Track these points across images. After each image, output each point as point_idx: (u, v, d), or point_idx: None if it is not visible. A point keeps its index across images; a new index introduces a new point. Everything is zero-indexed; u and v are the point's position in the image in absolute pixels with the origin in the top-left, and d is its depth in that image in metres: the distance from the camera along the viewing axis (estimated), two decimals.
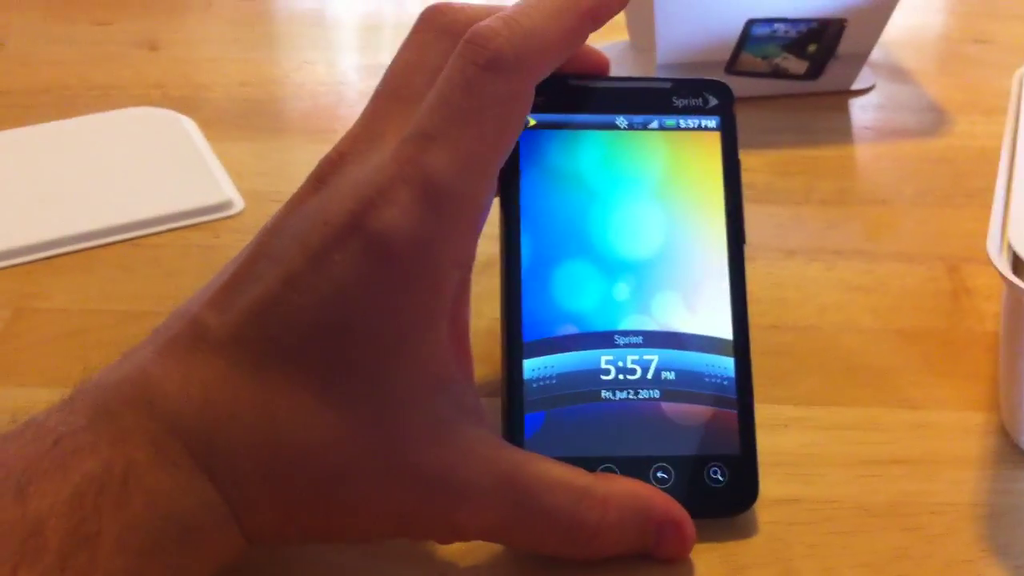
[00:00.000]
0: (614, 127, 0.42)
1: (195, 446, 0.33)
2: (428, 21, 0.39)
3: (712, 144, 0.42)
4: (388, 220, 0.34)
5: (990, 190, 0.46)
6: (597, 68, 0.42)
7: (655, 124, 0.42)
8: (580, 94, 0.42)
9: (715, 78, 0.43)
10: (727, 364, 0.40)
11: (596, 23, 0.38)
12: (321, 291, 0.34)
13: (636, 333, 0.40)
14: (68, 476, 0.31)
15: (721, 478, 0.40)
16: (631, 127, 0.42)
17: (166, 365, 0.34)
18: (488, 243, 0.41)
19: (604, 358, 0.40)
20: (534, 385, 0.40)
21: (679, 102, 0.42)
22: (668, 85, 0.43)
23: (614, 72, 0.43)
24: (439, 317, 0.36)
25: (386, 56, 0.40)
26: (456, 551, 0.39)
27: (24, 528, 0.30)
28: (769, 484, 0.41)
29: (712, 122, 0.42)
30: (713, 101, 0.42)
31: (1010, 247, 0.41)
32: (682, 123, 0.42)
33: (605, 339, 0.40)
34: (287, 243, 0.35)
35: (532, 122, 0.41)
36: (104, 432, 0.32)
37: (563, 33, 0.37)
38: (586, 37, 0.38)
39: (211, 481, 0.33)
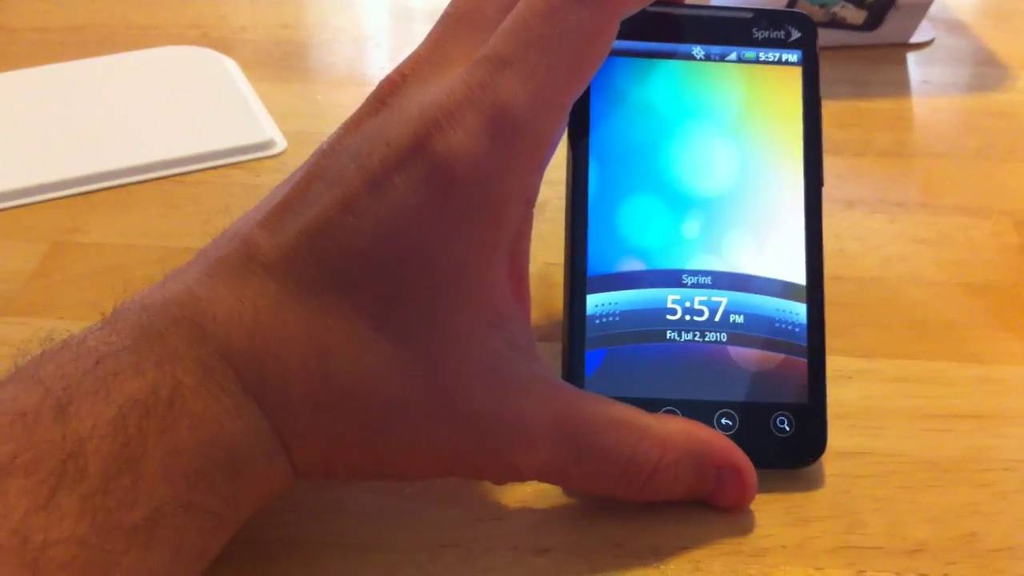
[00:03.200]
0: (691, 57, 0.40)
1: (244, 372, 0.32)
2: None
3: (792, 79, 0.40)
4: (454, 144, 0.33)
5: None
6: None
7: (733, 56, 0.40)
8: (657, 21, 0.40)
9: (799, 10, 0.41)
10: (798, 310, 0.39)
11: None
12: (380, 216, 0.33)
13: (705, 273, 0.39)
14: (111, 397, 0.30)
15: (788, 428, 0.38)
16: (708, 58, 0.40)
17: (215, 287, 0.33)
18: (545, 186, 0.40)
19: (671, 297, 0.39)
20: (596, 321, 0.38)
21: (760, 34, 0.40)
22: (749, 15, 0.41)
23: None
24: (500, 251, 0.35)
25: (434, 2, 0.38)
26: (506, 493, 0.38)
27: (64, 449, 0.28)
28: (834, 436, 0.39)
29: (794, 56, 0.40)
30: (796, 34, 0.41)
31: None
32: (762, 56, 0.40)
33: (672, 277, 0.39)
34: (345, 164, 0.34)
35: None
36: (149, 354, 0.31)
37: None
38: None
39: (260, 409, 0.32)
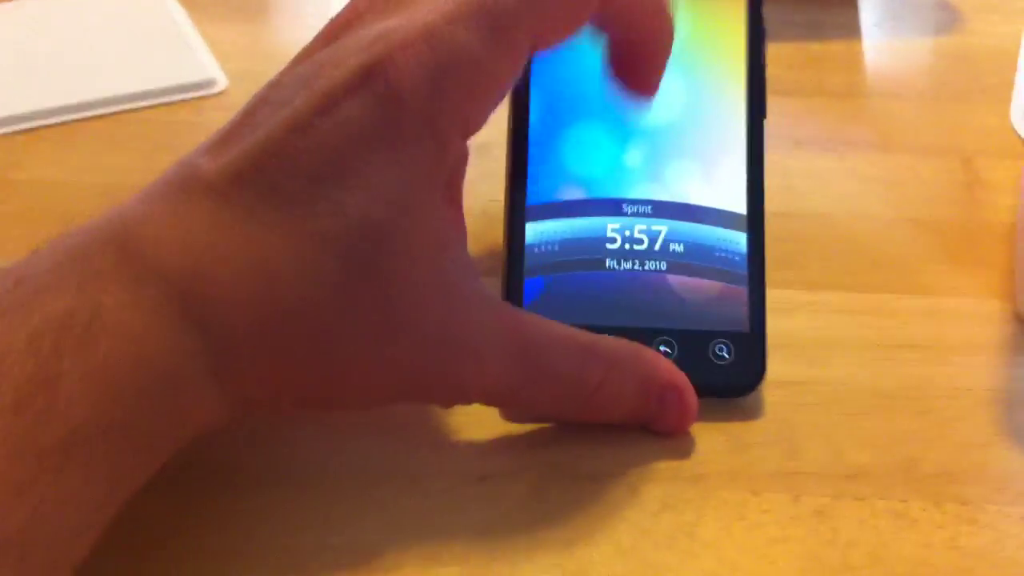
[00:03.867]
0: None
1: (174, 290, 0.31)
2: None
3: (736, 8, 0.40)
4: (404, 72, 0.32)
5: (1006, 86, 0.44)
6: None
7: None
8: None
9: None
10: (739, 239, 0.39)
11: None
12: (325, 133, 0.32)
13: (645, 202, 0.38)
14: (28, 317, 0.29)
15: (727, 355, 0.38)
16: None
17: (148, 208, 0.32)
18: (489, 126, 0.39)
19: (610, 226, 0.38)
20: (536, 250, 0.38)
21: None
22: None
23: None
24: (439, 177, 0.34)
25: None
26: (445, 422, 0.37)
27: None
28: (776, 366, 0.39)
29: None
30: None
31: None
32: None
33: (613, 206, 0.38)
34: (293, 89, 0.33)
35: None
36: (71, 273, 0.30)
37: None
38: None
39: (193, 327, 0.31)
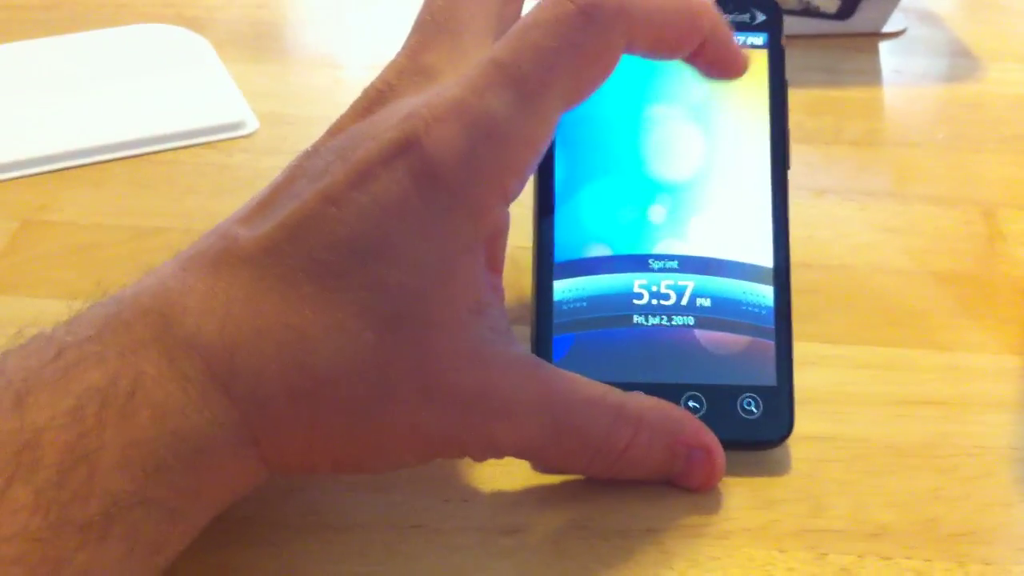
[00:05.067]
0: None
1: (214, 362, 0.31)
2: None
3: (758, 62, 0.40)
4: (438, 142, 0.33)
5: None
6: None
7: None
8: None
9: None
10: (765, 293, 0.39)
11: (698, 35, 0.36)
12: (362, 207, 0.32)
13: (672, 257, 0.39)
14: (70, 387, 0.29)
15: (755, 410, 0.38)
16: None
17: (188, 279, 0.32)
18: None
19: (637, 282, 0.39)
20: (564, 307, 0.38)
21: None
22: None
23: None
24: (479, 245, 0.35)
25: None
26: (474, 475, 0.38)
27: (20, 439, 0.28)
28: (800, 420, 0.39)
29: (759, 39, 0.41)
30: (760, 17, 0.41)
31: None
32: None
33: (639, 262, 0.39)
34: (328, 161, 0.34)
35: None
36: (112, 343, 0.31)
37: (674, 15, 0.35)
38: (689, 44, 0.36)
39: (229, 400, 0.31)
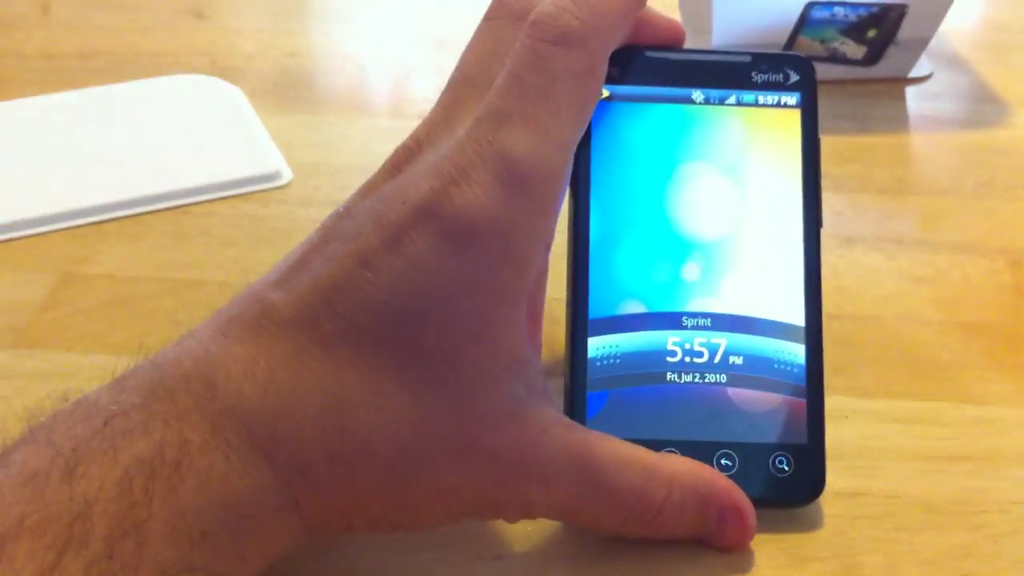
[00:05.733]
0: (690, 101, 0.41)
1: (256, 429, 0.32)
2: (501, 7, 0.38)
3: (791, 122, 0.41)
4: (470, 199, 0.33)
5: None
6: (672, 39, 0.41)
7: (732, 99, 0.41)
8: (656, 66, 0.41)
9: (798, 53, 0.42)
10: (798, 351, 0.39)
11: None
12: (397, 270, 0.33)
13: (705, 315, 0.39)
14: (118, 458, 0.30)
15: (787, 468, 0.39)
16: (708, 102, 0.41)
17: (228, 345, 0.33)
18: None
19: (671, 339, 0.39)
20: (598, 364, 0.39)
21: (759, 77, 0.41)
22: (748, 59, 0.41)
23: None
24: (521, 298, 0.35)
25: (439, 30, 0.39)
26: (507, 533, 0.38)
27: (71, 511, 0.29)
28: (831, 476, 0.39)
29: (792, 99, 0.41)
30: (794, 77, 0.41)
31: None
32: (761, 99, 0.41)
33: (672, 320, 0.39)
34: (361, 223, 0.34)
35: (606, 93, 0.40)
36: (157, 412, 0.31)
37: (626, 5, 0.37)
38: (641, 6, 0.38)
39: (270, 466, 0.32)
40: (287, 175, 0.57)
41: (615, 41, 0.37)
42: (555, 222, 0.36)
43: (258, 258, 0.51)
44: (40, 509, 0.29)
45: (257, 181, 0.56)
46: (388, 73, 0.68)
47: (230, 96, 0.63)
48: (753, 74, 0.41)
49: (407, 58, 0.70)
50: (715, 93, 0.41)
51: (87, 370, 0.34)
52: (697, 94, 0.41)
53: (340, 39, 0.72)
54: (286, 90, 0.66)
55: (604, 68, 0.37)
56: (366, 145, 0.60)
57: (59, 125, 0.61)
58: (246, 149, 0.58)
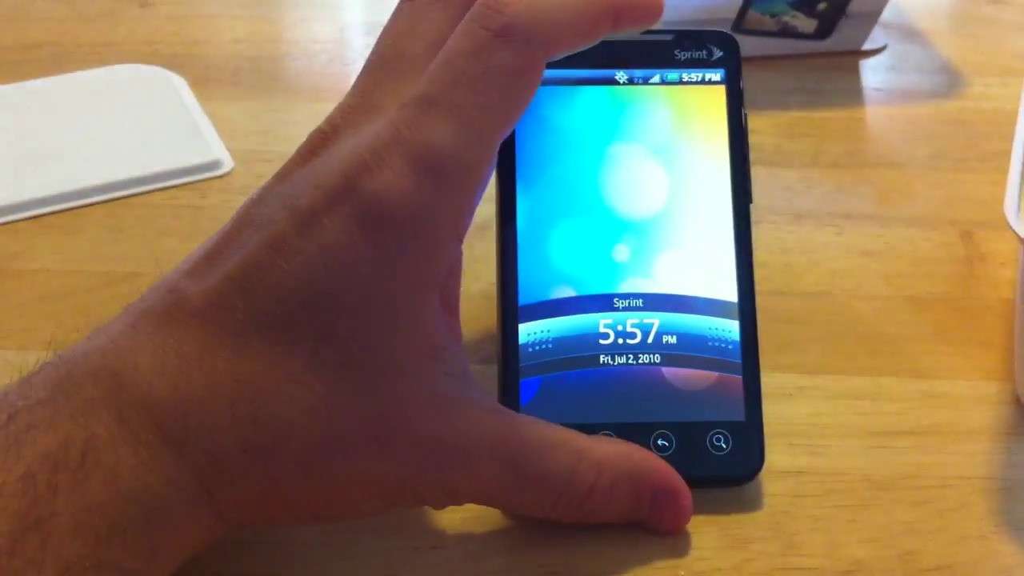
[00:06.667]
0: (613, 82, 0.40)
1: (165, 421, 0.31)
2: None
3: (717, 98, 0.40)
4: (382, 184, 0.33)
5: (1006, 154, 0.44)
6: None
7: (656, 78, 0.40)
8: None
9: (720, 29, 0.41)
10: (731, 328, 0.39)
11: (618, 24, 0.36)
12: (309, 256, 0.32)
13: (636, 296, 0.39)
14: (22, 453, 0.29)
15: (725, 445, 0.38)
16: (631, 81, 0.40)
17: (137, 336, 0.32)
18: (486, 205, 0.39)
19: (603, 322, 0.39)
20: (529, 350, 0.38)
21: (682, 55, 0.41)
22: (670, 37, 0.41)
23: None
24: (431, 286, 0.34)
25: (385, 15, 0.38)
26: (443, 522, 0.38)
27: None
28: (774, 454, 0.39)
29: (717, 75, 0.41)
30: (718, 53, 0.41)
31: None
32: (685, 77, 0.40)
33: (604, 302, 0.39)
34: (273, 209, 0.33)
35: None
36: (64, 406, 0.31)
37: (581, 18, 0.35)
38: (602, 34, 0.36)
39: (182, 458, 0.31)
40: (228, 164, 0.56)
41: (562, 47, 0.35)
42: (470, 215, 0.35)
43: (193, 249, 0.50)
44: None
45: (197, 171, 0.55)
46: (336, 59, 0.67)
47: (172, 85, 0.62)
48: (676, 52, 0.41)
49: (355, 43, 0.69)
50: (639, 73, 0.40)
51: (18, 367, 0.33)
52: (621, 74, 0.40)
53: (288, 24, 0.71)
54: (231, 77, 0.65)
55: (540, 73, 0.35)
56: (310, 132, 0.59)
57: None
58: (186, 138, 0.57)
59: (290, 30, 0.71)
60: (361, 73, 0.37)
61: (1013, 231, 0.38)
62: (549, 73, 0.39)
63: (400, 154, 0.33)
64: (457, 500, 0.35)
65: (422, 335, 0.34)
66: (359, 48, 0.69)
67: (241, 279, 0.32)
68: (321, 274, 0.32)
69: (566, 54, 0.36)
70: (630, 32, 0.37)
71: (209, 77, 0.64)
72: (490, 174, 0.36)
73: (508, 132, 0.35)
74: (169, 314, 0.33)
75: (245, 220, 0.34)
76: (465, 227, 0.35)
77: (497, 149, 0.35)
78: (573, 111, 0.40)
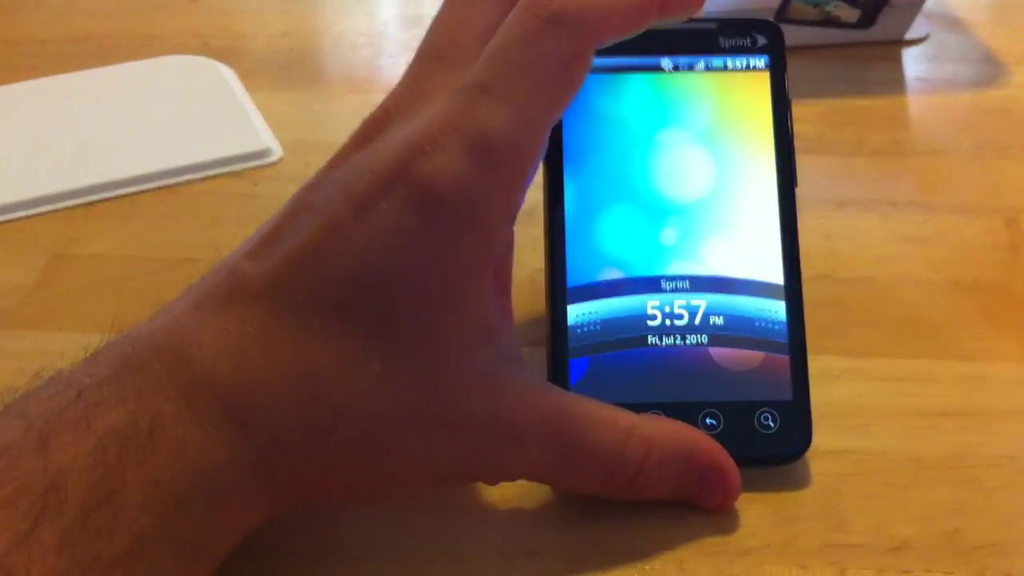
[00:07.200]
0: (659, 69, 0.41)
1: (229, 399, 0.32)
2: None
3: (761, 84, 0.41)
4: (437, 168, 0.33)
5: None
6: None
7: (701, 65, 0.41)
8: None
9: (764, 18, 0.42)
10: (778, 308, 0.39)
11: (664, 11, 0.36)
12: (366, 239, 0.33)
13: (683, 278, 0.39)
14: (91, 428, 0.30)
15: (772, 424, 0.38)
16: (677, 68, 0.41)
17: (201, 316, 0.33)
18: (532, 191, 0.40)
19: (650, 303, 0.39)
20: (578, 331, 0.39)
21: (726, 42, 0.41)
22: (714, 25, 0.41)
23: None
24: (486, 269, 0.35)
25: (427, 7, 0.38)
26: (492, 498, 0.38)
27: (45, 481, 0.29)
28: (820, 435, 0.39)
29: (761, 62, 0.41)
30: (762, 40, 0.41)
31: None
32: (729, 63, 0.41)
33: (651, 284, 0.39)
34: (330, 194, 0.34)
35: None
36: (130, 383, 0.31)
37: (629, 6, 0.36)
38: (649, 22, 0.36)
39: (245, 435, 0.32)
40: (277, 152, 0.57)
41: (611, 34, 0.36)
42: (521, 199, 0.36)
43: (248, 235, 0.51)
44: (13, 480, 0.29)
45: (247, 159, 0.56)
46: (379, 51, 0.68)
47: (221, 76, 0.63)
48: (721, 39, 0.41)
49: (397, 36, 0.70)
50: (684, 60, 0.41)
51: (76, 350, 0.34)
52: (666, 62, 0.41)
53: (332, 18, 0.72)
54: (279, 69, 0.66)
55: (591, 59, 0.35)
56: (357, 122, 0.59)
57: (49, 109, 0.61)
58: (236, 128, 0.58)
59: (334, 24, 0.72)
60: (413, 62, 0.37)
61: None
62: (597, 61, 0.39)
63: (454, 139, 0.33)
64: (510, 477, 0.36)
65: (476, 317, 0.34)
66: (401, 40, 0.69)
67: (300, 261, 0.33)
68: (378, 257, 0.33)
69: (614, 41, 0.36)
70: (675, 20, 0.37)
71: (257, 69, 0.65)
72: (541, 158, 0.36)
73: (559, 117, 0.36)
74: (230, 295, 0.33)
75: (303, 204, 0.35)
76: (517, 210, 0.36)
77: (548, 134, 0.36)
78: (619, 98, 0.40)
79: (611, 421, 0.36)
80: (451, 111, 0.34)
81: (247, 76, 0.64)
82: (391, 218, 0.33)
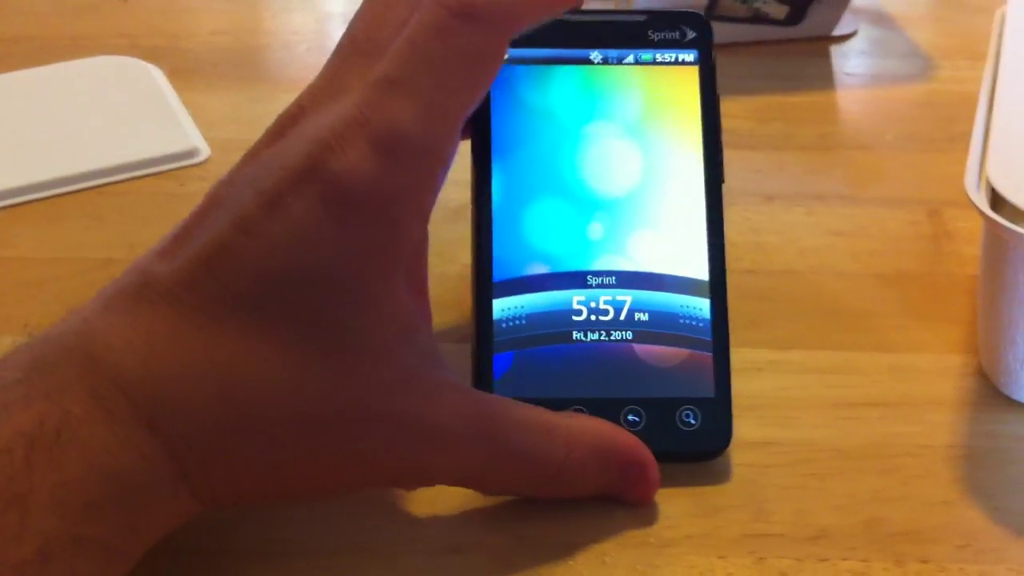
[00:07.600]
0: (588, 62, 0.41)
1: (139, 399, 0.32)
2: None
3: (690, 79, 0.41)
4: (345, 165, 0.33)
5: None
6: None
7: (630, 58, 0.41)
8: (552, 28, 0.39)
9: (692, 10, 0.42)
10: (702, 305, 0.40)
11: None
12: (275, 235, 0.33)
13: (609, 273, 0.40)
14: None
15: (694, 421, 0.39)
16: (605, 61, 0.41)
17: (109, 317, 0.33)
18: (460, 189, 0.40)
19: (576, 298, 0.39)
20: (503, 325, 0.39)
21: (655, 35, 0.41)
22: (643, 18, 0.41)
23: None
24: (398, 265, 0.35)
25: None
26: (418, 495, 0.38)
27: None
28: (744, 427, 0.40)
29: (690, 56, 0.41)
30: (691, 34, 0.41)
31: (988, 184, 0.40)
32: (658, 57, 0.41)
33: (577, 279, 0.39)
34: (241, 190, 0.34)
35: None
36: (38, 385, 0.31)
37: None
38: (562, 9, 0.37)
39: (155, 435, 0.32)
40: (205, 152, 0.57)
41: (521, 27, 0.36)
42: (434, 194, 0.36)
43: None
44: None
45: (175, 159, 0.56)
46: (313, 49, 0.68)
47: (149, 76, 0.62)
48: (650, 32, 0.41)
49: (332, 34, 0.70)
50: (613, 53, 0.41)
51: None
52: (595, 54, 0.41)
53: (266, 17, 0.72)
54: (211, 68, 0.65)
55: (503, 52, 0.36)
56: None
57: None
58: (164, 128, 0.58)
59: (269, 21, 0.71)
60: (332, 56, 0.37)
61: (973, 204, 0.39)
62: (523, 53, 0.40)
63: (362, 135, 0.33)
64: (430, 481, 0.36)
65: (393, 315, 0.34)
66: (336, 39, 0.68)
67: (209, 259, 0.33)
68: (288, 254, 0.33)
69: (528, 29, 0.36)
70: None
71: (189, 68, 0.65)
72: (454, 153, 0.36)
73: (471, 111, 0.36)
74: (140, 294, 0.33)
75: (214, 201, 0.34)
76: (429, 207, 0.36)
77: (460, 128, 0.36)
78: (548, 91, 0.40)
79: (532, 421, 0.36)
80: (360, 105, 0.34)
81: (179, 75, 0.63)
82: (301, 215, 0.33)
